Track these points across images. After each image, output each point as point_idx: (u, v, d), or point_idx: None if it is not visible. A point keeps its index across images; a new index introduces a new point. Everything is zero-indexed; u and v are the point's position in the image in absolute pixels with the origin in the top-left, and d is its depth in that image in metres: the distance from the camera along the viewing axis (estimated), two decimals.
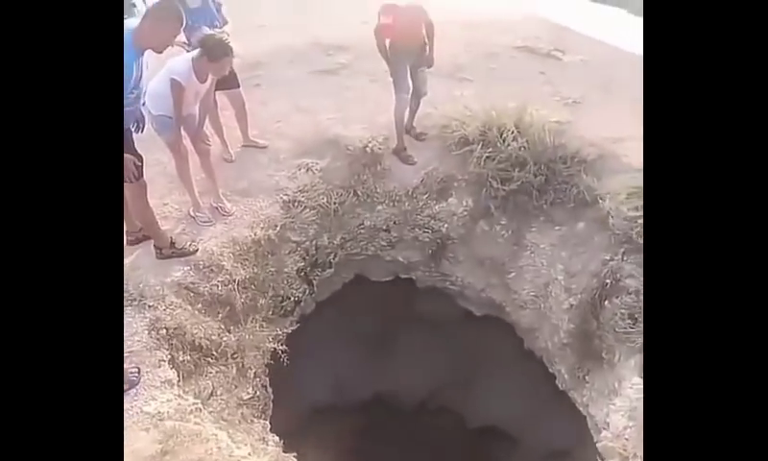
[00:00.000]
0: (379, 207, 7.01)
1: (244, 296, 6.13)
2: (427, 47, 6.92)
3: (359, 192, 6.95)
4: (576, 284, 6.20)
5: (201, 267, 6.00)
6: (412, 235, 7.07)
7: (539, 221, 6.65)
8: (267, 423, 5.84)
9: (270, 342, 5.99)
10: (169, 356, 5.32)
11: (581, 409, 6.07)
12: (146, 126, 5.66)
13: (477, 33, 10.72)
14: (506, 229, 6.79)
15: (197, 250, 6.04)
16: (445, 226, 6.97)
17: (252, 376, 5.91)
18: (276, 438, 5.79)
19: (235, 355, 5.83)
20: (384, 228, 7.07)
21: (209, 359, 5.61)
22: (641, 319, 5.56)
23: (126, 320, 5.35)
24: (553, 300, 6.35)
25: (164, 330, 5.33)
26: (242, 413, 5.61)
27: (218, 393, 5.57)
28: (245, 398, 5.73)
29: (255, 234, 6.45)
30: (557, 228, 6.56)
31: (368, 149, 7.03)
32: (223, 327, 5.91)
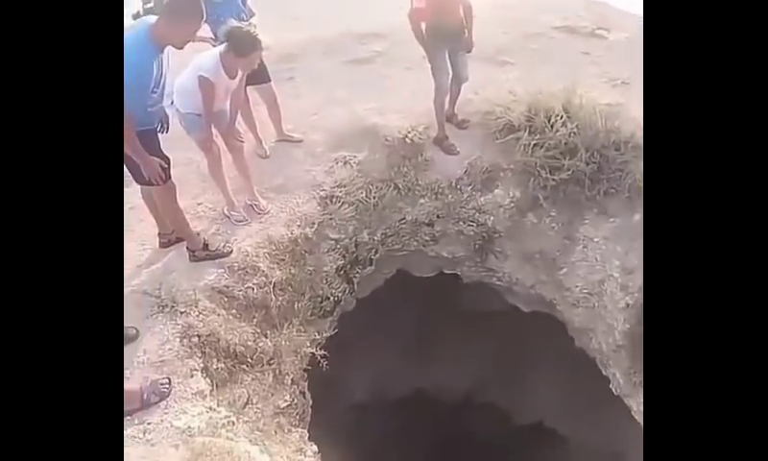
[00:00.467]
0: (421, 201, 6.53)
1: (281, 298, 5.81)
2: (465, 29, 6.37)
3: (400, 185, 6.49)
4: (633, 282, 5.62)
5: (235, 269, 5.70)
6: (456, 229, 6.58)
7: (591, 213, 6.06)
8: (305, 431, 5.54)
9: (308, 346, 5.68)
10: (202, 365, 5.04)
11: (636, 417, 5.54)
12: (173, 125, 5.40)
13: (515, 13, 9.96)
14: (556, 221, 6.22)
15: (231, 251, 5.75)
16: (491, 219, 6.45)
17: (289, 382, 5.58)
18: (315, 448, 5.49)
19: (272, 361, 5.51)
20: (427, 222, 6.59)
21: (244, 366, 5.31)
22: None
23: (157, 327, 5.11)
24: (608, 298, 5.78)
25: (197, 338, 5.05)
26: (278, 422, 5.31)
27: (253, 401, 5.26)
28: (282, 406, 5.42)
29: (292, 233, 6.11)
30: (611, 220, 5.96)
31: (407, 139, 6.56)
32: (259, 331, 5.60)
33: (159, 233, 5.66)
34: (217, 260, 5.65)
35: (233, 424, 4.73)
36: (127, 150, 4.57)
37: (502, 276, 6.62)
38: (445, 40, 6.30)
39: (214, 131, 5.79)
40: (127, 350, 4.80)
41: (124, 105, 3.58)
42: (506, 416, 8.09)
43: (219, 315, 5.41)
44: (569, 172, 6.01)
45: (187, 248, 5.62)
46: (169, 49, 4.59)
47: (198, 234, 5.75)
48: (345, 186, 6.38)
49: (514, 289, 6.65)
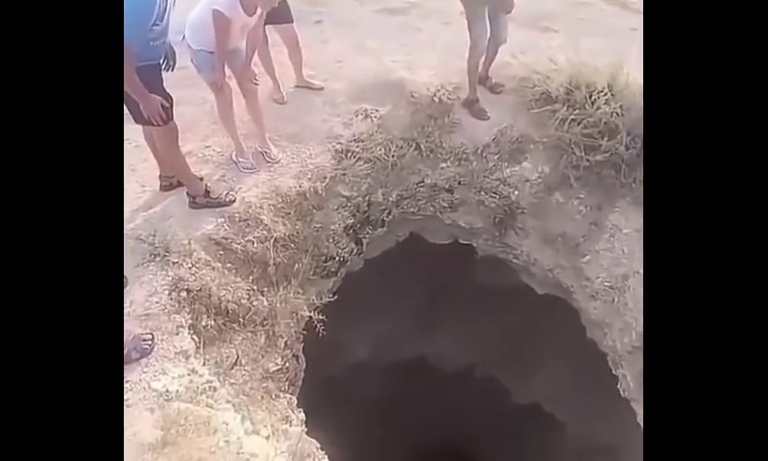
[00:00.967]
0: (443, 165, 5.99)
1: (282, 255, 5.40)
2: None
3: (422, 146, 5.94)
4: None
5: (236, 220, 5.29)
6: (477, 199, 6.04)
7: (624, 201, 5.48)
8: (294, 398, 5.25)
9: (306, 310, 5.33)
10: (190, 322, 4.71)
11: (640, 422, 5.12)
12: (186, 62, 4.93)
13: None
14: (585, 204, 5.64)
15: (234, 200, 5.33)
16: (516, 192, 5.89)
17: (282, 345, 5.24)
18: (302, 415, 5.18)
19: (265, 322, 5.16)
20: (446, 188, 6.06)
21: (235, 325, 4.96)
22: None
23: (146, 277, 4.75)
24: (630, 295, 5.26)
25: (186, 292, 4.73)
26: (266, 387, 4.99)
27: (242, 363, 4.95)
28: (272, 369, 5.09)
29: (301, 186, 5.65)
30: None
31: (435, 98, 5.98)
32: (255, 289, 5.22)
33: (160, 176, 5.26)
34: (218, 209, 5.24)
35: (215, 389, 4.41)
36: (125, 86, 4.13)
37: (520, 254, 6.12)
38: None
39: (227, 71, 5.31)
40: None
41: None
42: (505, 393, 7.78)
43: (213, 268, 5.04)
44: (606, 154, 5.41)
45: (188, 193, 5.22)
46: None
47: (201, 180, 5.34)
48: (363, 141, 5.86)
49: (530, 269, 6.15)
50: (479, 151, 5.94)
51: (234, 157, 5.61)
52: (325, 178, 5.73)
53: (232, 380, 4.83)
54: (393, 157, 5.88)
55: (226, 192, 5.30)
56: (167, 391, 4.12)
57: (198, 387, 4.27)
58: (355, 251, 6.16)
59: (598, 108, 5.44)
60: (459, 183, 6.06)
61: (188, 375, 4.31)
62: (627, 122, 5.34)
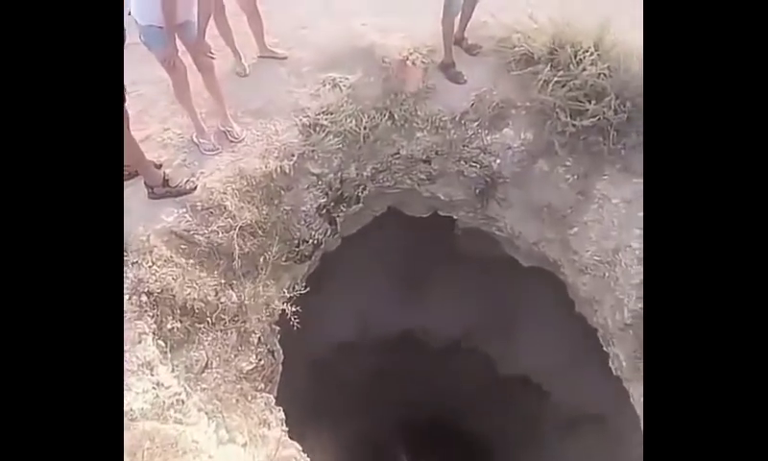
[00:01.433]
0: (419, 134, 5.60)
1: (249, 243, 5.04)
2: None
3: (395, 115, 5.53)
4: None
5: (199, 209, 4.89)
6: (456, 169, 5.70)
7: (613, 168, 5.17)
8: (271, 397, 4.96)
9: (278, 302, 4.98)
10: (154, 327, 4.39)
11: (635, 406, 4.93)
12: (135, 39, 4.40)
13: None
14: (571, 173, 5.34)
15: (195, 187, 4.91)
16: (497, 161, 5.56)
17: (255, 341, 4.93)
18: (281, 415, 4.94)
19: (236, 318, 4.83)
20: (424, 158, 5.70)
21: (204, 326, 4.63)
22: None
23: None
24: (621, 270, 5.02)
25: (146, 295, 4.35)
26: (241, 389, 4.70)
27: (213, 365, 4.63)
28: (246, 369, 4.79)
29: (267, 166, 5.23)
30: (635, 180, 5.07)
31: (408, 62, 5.50)
32: (222, 283, 4.88)
33: None
34: (178, 198, 4.84)
35: (183, 402, 4.12)
36: None
37: (503, 226, 5.82)
38: None
39: (180, 45, 4.81)
40: None
41: None
42: (492, 365, 7.65)
43: (176, 265, 4.65)
44: (594, 118, 5.06)
45: (145, 184, 4.79)
46: None
47: (159, 168, 4.90)
48: (332, 114, 5.43)
49: (514, 242, 5.88)
50: (457, 118, 5.56)
51: (195, 139, 5.18)
52: (293, 155, 5.33)
53: (204, 385, 4.53)
54: (365, 128, 5.47)
55: (186, 179, 4.87)
56: (131, 410, 3.79)
57: (165, 402, 3.95)
58: (330, 231, 5.80)
59: (584, 69, 5.07)
60: (437, 153, 5.70)
61: (153, 389, 3.98)
62: (615, 84, 4.99)
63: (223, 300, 4.77)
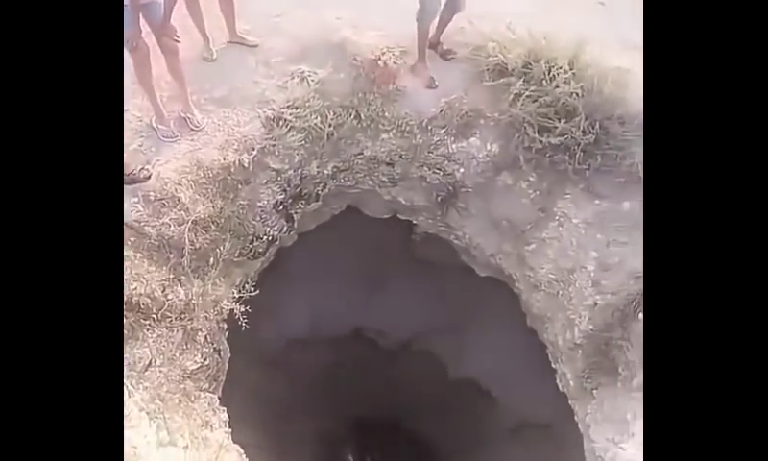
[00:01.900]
0: (384, 136, 5.46)
1: (201, 238, 4.86)
2: None
3: (362, 114, 5.38)
4: (608, 281, 4.89)
5: (151, 199, 4.70)
6: (419, 174, 5.60)
7: (576, 189, 5.17)
8: (215, 397, 4.82)
9: (227, 302, 4.80)
10: None
11: (579, 425, 5.00)
12: None
13: None
14: (534, 188, 5.30)
15: (149, 176, 4.68)
16: (461, 170, 5.48)
17: (202, 340, 4.79)
18: (225, 416, 4.81)
19: (183, 316, 4.67)
20: (387, 161, 5.58)
21: (149, 322, 4.46)
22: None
23: None
24: (575, 291, 5.06)
25: None
26: (184, 388, 4.56)
27: (157, 363, 4.48)
28: (191, 368, 4.65)
29: (226, 158, 5.04)
30: (597, 202, 5.09)
31: (380, 62, 5.36)
32: (172, 277, 4.70)
33: None
34: (131, 186, 4.61)
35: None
36: None
37: (462, 236, 5.79)
38: None
39: (145, 26, 4.57)
40: None
41: None
42: (442, 368, 7.67)
43: (124, 258, 4.46)
44: (562, 137, 5.02)
45: None
46: None
47: None
48: (297, 108, 5.25)
49: (472, 252, 5.87)
50: (424, 123, 5.45)
51: (154, 124, 4.96)
52: (254, 149, 5.15)
53: (146, 384, 4.37)
54: (330, 126, 5.32)
55: (140, 167, 4.63)
56: None
57: None
58: (285, 228, 5.65)
59: (557, 86, 5.03)
60: (400, 157, 5.59)
61: None
62: (586, 105, 4.97)
63: (170, 296, 4.60)
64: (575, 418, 5.11)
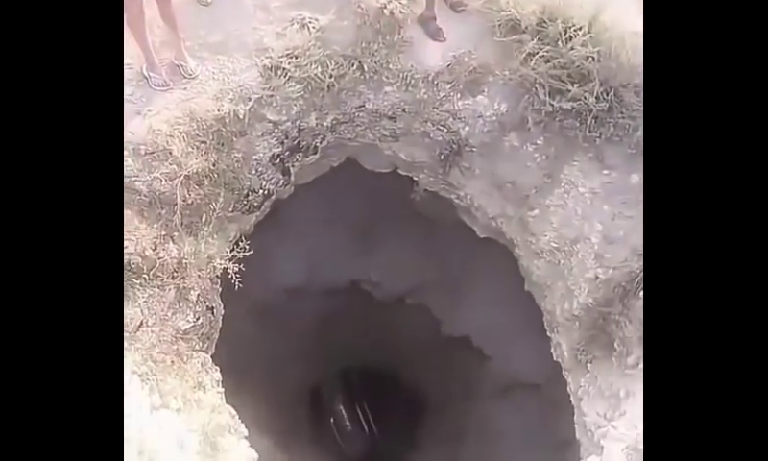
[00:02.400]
0: (388, 89, 5.21)
1: (194, 194, 4.70)
2: None
3: (365, 66, 5.09)
4: (611, 254, 4.83)
5: (142, 153, 4.51)
6: (422, 130, 5.41)
7: (585, 156, 5.02)
8: (208, 356, 4.80)
9: (220, 260, 4.69)
10: None
11: (570, 397, 5.03)
12: None
13: None
14: (541, 153, 5.15)
15: None
16: (466, 128, 5.28)
17: (194, 298, 4.73)
18: (218, 375, 4.82)
19: (175, 275, 4.58)
20: (389, 115, 5.35)
21: (140, 282, 4.38)
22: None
23: None
24: (577, 262, 5.00)
25: None
26: (177, 349, 4.54)
27: (149, 323, 4.43)
28: (183, 328, 4.62)
29: (221, 109, 4.81)
30: (605, 172, 4.96)
31: (386, 10, 5.01)
32: (163, 234, 4.58)
33: None
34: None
35: None
36: None
37: (463, 196, 5.66)
38: None
39: None
40: None
41: None
42: (436, 323, 7.69)
43: None
44: (574, 102, 4.83)
45: None
46: None
47: None
48: (296, 57, 4.97)
49: (473, 213, 5.76)
50: (430, 77, 5.19)
51: (145, 72, 4.69)
52: (250, 99, 4.91)
53: (138, 345, 4.32)
54: (330, 77, 5.05)
55: None
56: None
57: None
58: (282, 181, 5.49)
59: (572, 48, 4.78)
60: (403, 111, 5.37)
61: None
62: (602, 70, 4.75)
63: (162, 254, 4.51)
64: (567, 389, 5.16)
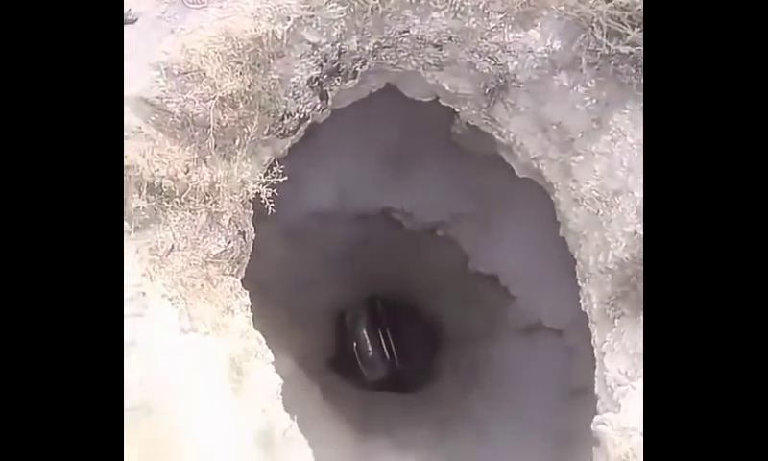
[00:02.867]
0: (435, 15, 4.98)
1: (228, 115, 4.62)
2: None
3: None
4: None
5: (175, 73, 4.42)
6: (468, 61, 5.19)
7: (637, 105, 4.77)
8: (237, 281, 4.87)
9: (253, 185, 4.66)
10: None
11: (594, 348, 5.01)
12: None
13: None
14: (591, 96, 4.92)
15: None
16: (515, 63, 5.05)
17: (226, 222, 4.75)
18: (246, 300, 4.89)
19: (207, 198, 4.59)
20: (435, 42, 5.14)
21: (172, 205, 4.40)
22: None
23: None
24: (617, 214, 4.85)
25: None
26: (207, 273, 4.61)
27: (180, 247, 4.48)
28: (215, 252, 4.68)
29: (258, 29, 4.65)
30: None
31: None
32: (196, 157, 4.54)
33: None
34: (154, 61, 4.28)
35: (144, 294, 3.99)
36: None
37: (506, 133, 5.47)
38: None
39: None
40: None
41: None
42: (464, 259, 7.64)
43: (145, 136, 4.28)
44: (632, 47, 4.52)
45: None
46: None
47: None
48: None
49: (514, 151, 5.58)
50: (481, 6, 4.91)
51: None
52: (289, 19, 4.72)
53: (168, 268, 4.40)
54: None
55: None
56: None
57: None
58: (319, 106, 5.37)
59: None
60: (450, 40, 5.15)
61: None
62: None
63: (194, 178, 4.50)
64: (591, 341, 5.15)
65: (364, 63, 5.30)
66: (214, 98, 4.52)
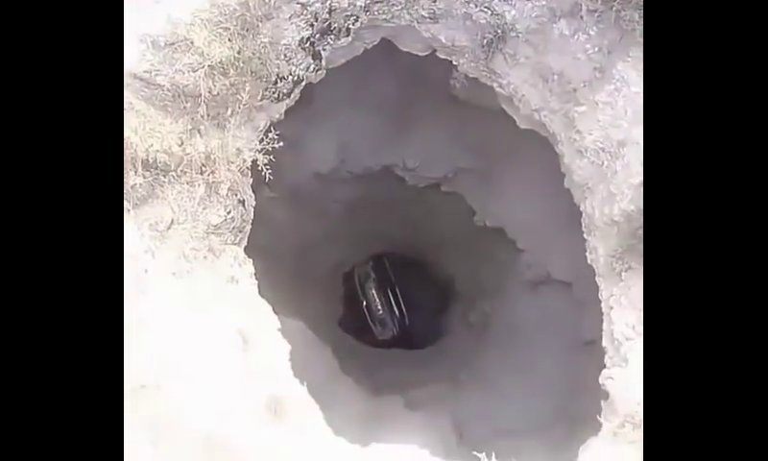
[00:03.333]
0: None
1: (219, 84, 4.57)
2: None
3: None
4: None
5: (161, 45, 4.36)
6: (464, 12, 5.10)
7: (641, 53, 4.61)
8: (240, 250, 4.90)
9: (250, 151, 4.64)
10: None
11: (601, 303, 5.01)
12: None
13: None
14: (593, 44, 4.82)
15: None
16: (512, 12, 4.95)
17: (225, 192, 4.76)
18: (251, 268, 4.95)
19: (204, 169, 4.59)
20: None
21: (168, 179, 4.40)
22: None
23: None
24: (622, 165, 4.78)
25: None
26: (209, 244, 4.65)
27: (180, 221, 4.51)
28: (215, 222, 4.71)
29: None
30: None
31: None
32: (189, 129, 4.52)
33: None
34: (139, 33, 4.21)
35: (146, 270, 4.04)
36: None
37: (506, 84, 5.37)
38: None
39: None
40: None
41: None
42: (470, 213, 7.58)
43: (136, 112, 4.25)
44: None
45: None
46: None
47: None
48: None
49: (515, 102, 5.48)
50: None
51: None
52: None
53: (170, 242, 4.44)
54: None
55: None
56: None
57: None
58: (312, 66, 5.28)
59: None
60: None
61: None
62: None
63: (189, 150, 4.49)
64: (599, 295, 5.15)
65: (356, 20, 5.18)
66: (204, 67, 4.47)
